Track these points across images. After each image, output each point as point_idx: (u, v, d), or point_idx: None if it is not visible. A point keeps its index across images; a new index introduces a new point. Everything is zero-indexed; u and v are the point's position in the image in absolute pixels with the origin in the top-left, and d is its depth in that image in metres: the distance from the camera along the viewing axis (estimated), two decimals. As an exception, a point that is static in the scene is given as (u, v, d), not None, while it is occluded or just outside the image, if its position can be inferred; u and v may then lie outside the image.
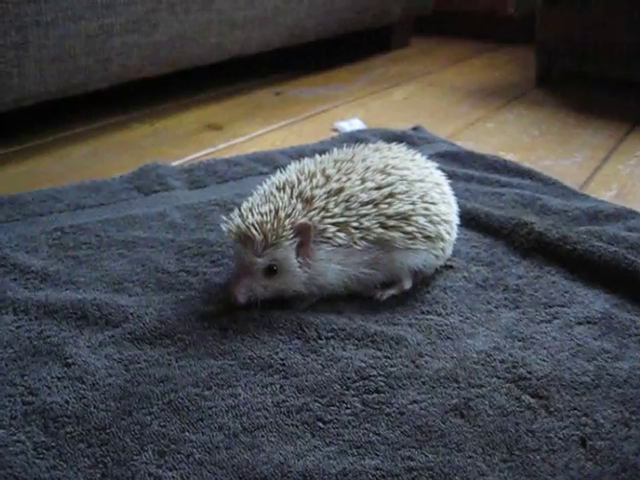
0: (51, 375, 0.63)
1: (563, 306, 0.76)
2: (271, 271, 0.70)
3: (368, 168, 0.75)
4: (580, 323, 0.73)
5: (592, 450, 0.56)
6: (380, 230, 0.73)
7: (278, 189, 0.73)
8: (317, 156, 0.80)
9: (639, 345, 0.69)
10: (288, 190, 0.73)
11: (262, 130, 1.37)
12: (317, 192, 0.72)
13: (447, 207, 0.80)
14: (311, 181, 0.74)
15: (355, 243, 0.72)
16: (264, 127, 1.39)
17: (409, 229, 0.74)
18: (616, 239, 0.87)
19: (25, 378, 0.63)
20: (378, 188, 0.74)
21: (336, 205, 0.72)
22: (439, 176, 0.82)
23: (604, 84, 1.69)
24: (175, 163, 1.16)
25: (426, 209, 0.76)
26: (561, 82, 1.76)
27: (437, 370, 0.65)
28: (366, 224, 0.72)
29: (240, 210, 0.72)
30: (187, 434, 0.57)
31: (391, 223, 0.73)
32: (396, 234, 0.73)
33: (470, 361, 0.66)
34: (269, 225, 0.69)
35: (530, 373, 0.64)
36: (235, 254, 0.73)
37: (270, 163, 1.13)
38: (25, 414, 0.59)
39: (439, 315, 0.73)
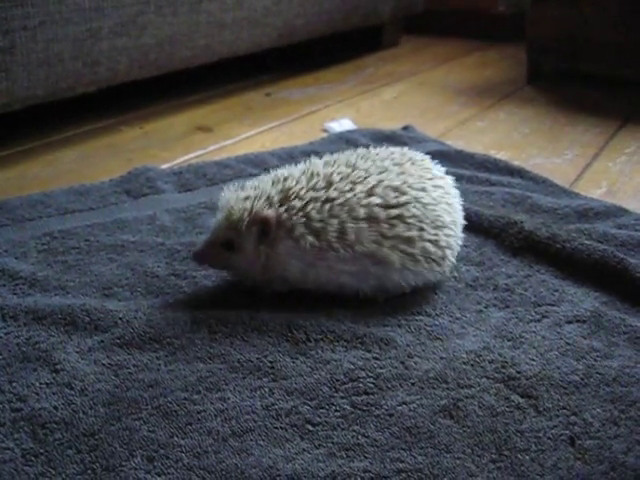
0: (40, 381, 0.63)
1: (552, 305, 0.76)
2: (229, 246, 0.74)
3: (381, 182, 0.74)
4: (569, 322, 0.73)
5: (581, 449, 0.56)
6: (374, 246, 0.72)
7: (275, 182, 0.75)
8: (337, 156, 0.79)
9: (628, 343, 0.70)
10: (282, 184, 0.74)
11: (252, 131, 1.37)
12: (305, 194, 0.73)
13: (455, 228, 0.78)
14: (308, 183, 0.74)
15: (333, 249, 0.72)
16: (254, 128, 1.39)
17: (411, 251, 0.73)
18: (605, 237, 0.87)
19: (14, 385, 0.62)
20: (386, 207, 0.73)
21: (318, 211, 0.72)
22: (453, 196, 0.80)
23: (594, 82, 1.69)
24: (165, 166, 1.16)
25: (435, 234, 0.75)
26: (552, 80, 1.76)
27: (426, 371, 0.65)
28: (352, 237, 0.72)
29: (240, 186, 0.76)
30: (176, 439, 0.57)
31: (388, 243, 0.72)
32: (394, 254, 0.73)
33: (459, 361, 0.66)
34: (241, 207, 0.73)
35: (519, 373, 0.65)
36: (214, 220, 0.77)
37: (260, 165, 1.13)
38: (13, 421, 0.58)
39: (429, 316, 0.73)
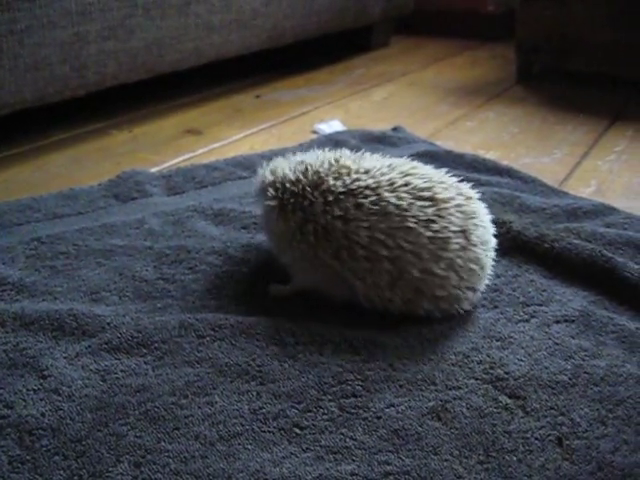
0: (27, 387, 0.63)
1: (541, 305, 0.76)
2: None
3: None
4: (558, 321, 0.73)
5: (568, 449, 0.56)
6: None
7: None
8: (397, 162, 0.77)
9: (616, 342, 0.70)
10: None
11: (242, 134, 1.37)
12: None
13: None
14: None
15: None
16: (244, 131, 1.39)
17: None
18: (594, 236, 0.87)
19: (0, 391, 0.62)
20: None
21: (296, 172, 0.75)
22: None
23: (584, 80, 1.70)
24: (154, 169, 1.16)
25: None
26: (541, 79, 1.76)
27: (414, 373, 0.65)
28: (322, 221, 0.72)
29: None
30: (163, 444, 0.57)
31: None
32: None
33: (448, 363, 0.66)
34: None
35: (507, 373, 0.65)
36: None
37: (249, 167, 1.13)
38: (0, 428, 0.58)
39: (417, 317, 0.73)
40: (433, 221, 0.70)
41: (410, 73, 1.91)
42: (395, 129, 1.33)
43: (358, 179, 0.72)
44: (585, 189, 1.10)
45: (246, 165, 1.14)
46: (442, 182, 0.74)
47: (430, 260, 0.69)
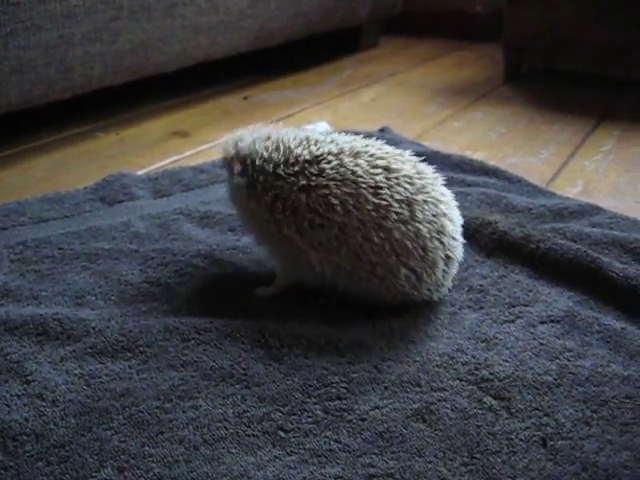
0: (10, 393, 0.62)
1: (526, 305, 0.76)
2: None
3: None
4: (543, 322, 0.73)
5: (553, 450, 0.56)
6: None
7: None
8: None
9: (601, 342, 0.70)
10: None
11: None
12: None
13: None
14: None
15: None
16: (231, 133, 1.38)
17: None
18: (580, 236, 0.88)
19: (-17, 397, 0.62)
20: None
21: (267, 150, 0.75)
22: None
23: (571, 80, 1.70)
24: (141, 172, 1.15)
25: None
26: (529, 79, 1.77)
27: (399, 374, 0.65)
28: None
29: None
30: (147, 448, 0.57)
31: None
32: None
33: (433, 364, 0.66)
34: None
35: (492, 374, 0.65)
36: None
37: (236, 169, 1.12)
38: (-17, 434, 0.58)
39: (402, 319, 0.73)
40: (380, 187, 0.71)
41: (398, 74, 1.91)
42: (382, 130, 1.33)
43: (323, 146, 0.73)
44: (572, 189, 1.10)
45: (233, 167, 1.13)
46: (400, 155, 0.75)
47: (371, 228, 0.70)
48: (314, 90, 1.72)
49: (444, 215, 0.73)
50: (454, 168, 1.13)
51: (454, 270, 0.76)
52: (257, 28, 1.66)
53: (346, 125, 1.38)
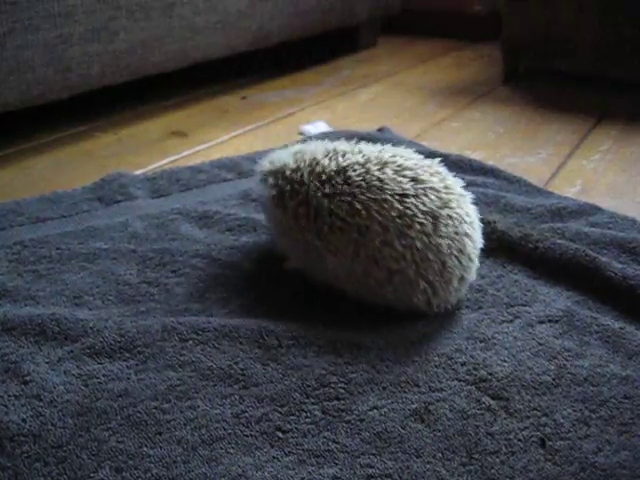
0: (8, 393, 0.62)
1: (525, 305, 0.76)
2: None
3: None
4: (542, 322, 0.73)
5: (551, 450, 0.56)
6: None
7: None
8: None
9: (600, 342, 0.70)
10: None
11: (227, 136, 1.37)
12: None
13: None
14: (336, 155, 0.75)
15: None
16: (229, 132, 1.38)
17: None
18: (578, 236, 0.87)
19: (-19, 397, 0.62)
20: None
21: (296, 161, 0.76)
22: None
23: (570, 80, 1.70)
24: (139, 172, 1.15)
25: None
26: (527, 79, 1.77)
27: (398, 375, 0.64)
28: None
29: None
30: (145, 449, 0.56)
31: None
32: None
33: (431, 364, 0.66)
34: None
35: (491, 375, 0.64)
36: None
37: (234, 169, 1.12)
38: (-20, 434, 0.58)
39: (400, 319, 0.73)
40: (406, 195, 0.71)
41: (397, 74, 1.90)
42: (381, 130, 1.33)
43: (350, 157, 0.74)
44: (570, 189, 1.10)
45: (231, 167, 1.14)
46: (429, 167, 0.75)
47: (393, 234, 0.70)
48: (313, 90, 1.72)
49: (466, 235, 0.72)
50: (452, 167, 1.12)
51: (464, 291, 0.75)
52: (255, 28, 1.66)
53: (345, 125, 1.38)
